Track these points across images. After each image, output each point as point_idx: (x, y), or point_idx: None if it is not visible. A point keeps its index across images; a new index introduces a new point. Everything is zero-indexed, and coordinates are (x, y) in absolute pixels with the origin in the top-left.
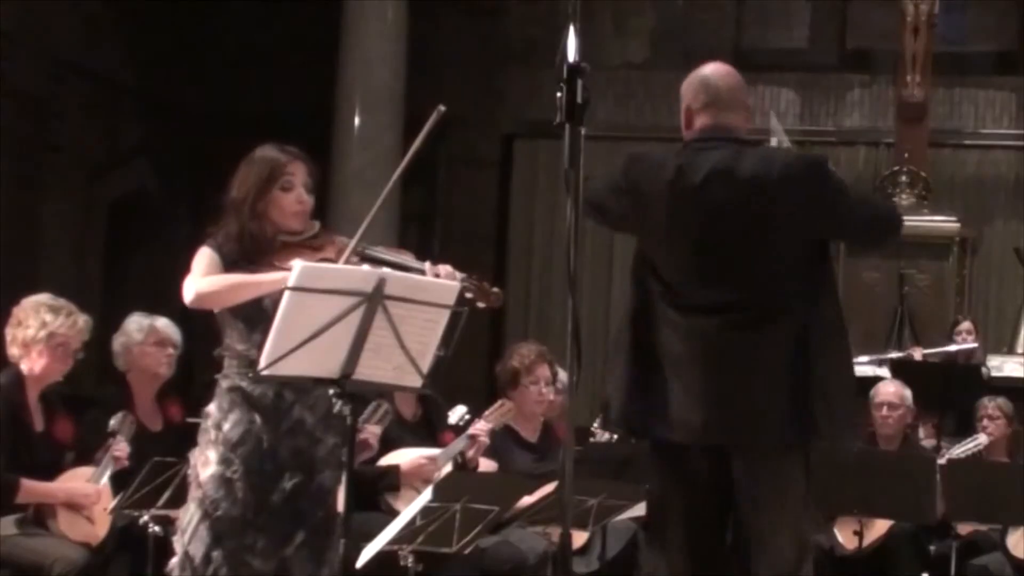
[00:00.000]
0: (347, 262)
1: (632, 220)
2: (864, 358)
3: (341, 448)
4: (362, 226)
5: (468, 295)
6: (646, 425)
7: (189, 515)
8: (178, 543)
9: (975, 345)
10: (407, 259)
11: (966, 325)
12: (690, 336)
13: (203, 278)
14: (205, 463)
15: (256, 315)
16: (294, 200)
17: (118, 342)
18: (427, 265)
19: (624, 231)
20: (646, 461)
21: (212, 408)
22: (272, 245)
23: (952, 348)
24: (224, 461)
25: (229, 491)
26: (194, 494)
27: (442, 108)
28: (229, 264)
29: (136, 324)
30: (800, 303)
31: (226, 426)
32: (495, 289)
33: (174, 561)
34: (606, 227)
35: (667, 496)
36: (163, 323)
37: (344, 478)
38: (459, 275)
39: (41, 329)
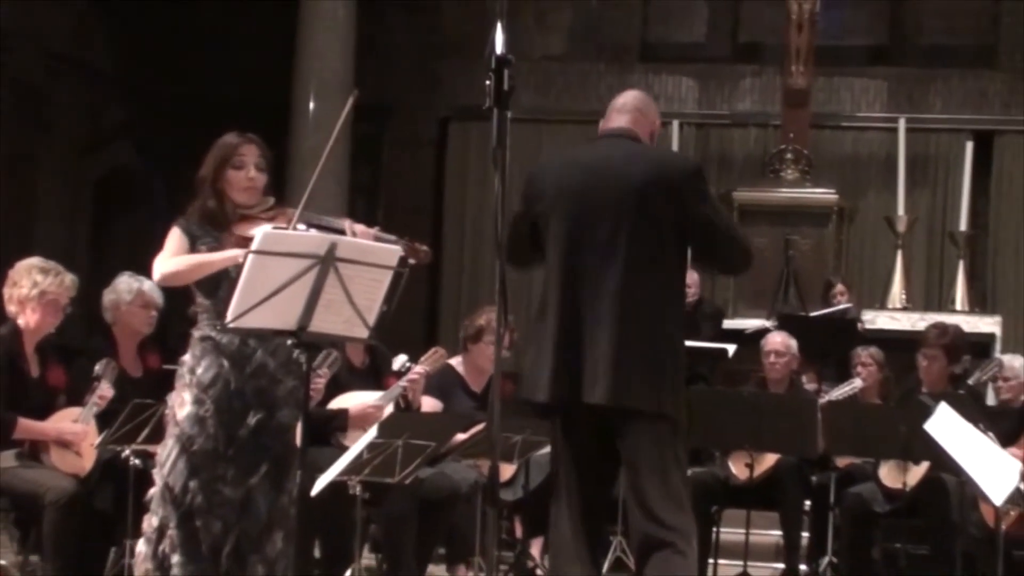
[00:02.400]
0: (293, 228)
1: (535, 217)
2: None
3: (300, 390)
4: (304, 197)
5: (400, 254)
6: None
7: (168, 450)
8: (158, 475)
9: (849, 305)
10: (334, 222)
11: (839, 287)
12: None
13: (167, 260)
14: (181, 404)
15: (220, 275)
16: (244, 177)
17: (108, 298)
18: (346, 223)
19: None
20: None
21: (187, 357)
22: (230, 217)
23: (829, 311)
24: (198, 401)
25: (203, 428)
26: (172, 431)
27: (356, 92)
28: (195, 237)
29: (126, 285)
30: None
31: (199, 371)
32: (424, 248)
33: (153, 491)
34: (525, 258)
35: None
36: (149, 286)
37: (300, 418)
38: (377, 233)
39: (33, 288)
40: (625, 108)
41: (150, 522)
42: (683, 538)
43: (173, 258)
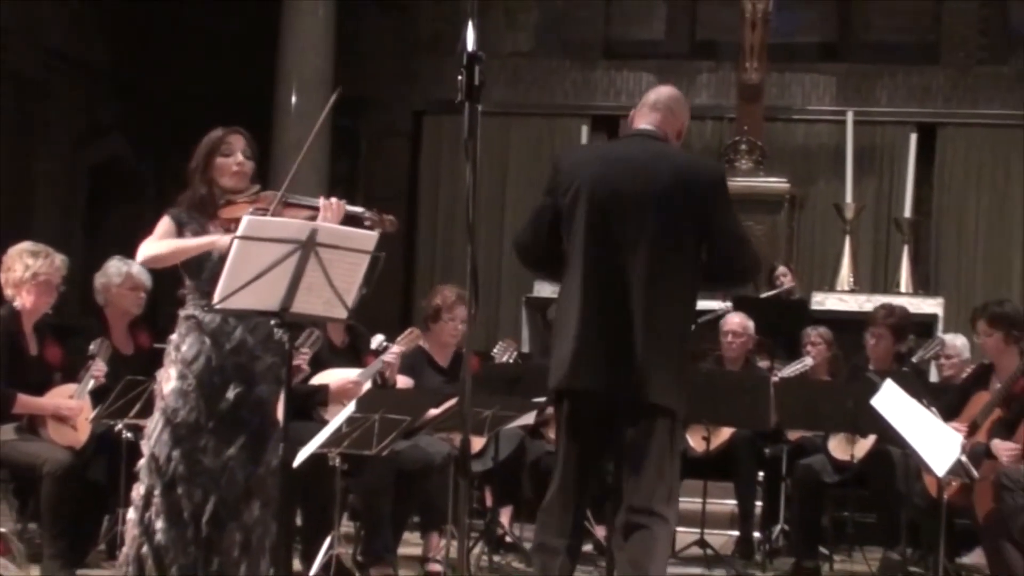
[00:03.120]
0: (274, 209)
1: (557, 199)
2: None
3: (279, 367)
4: (285, 182)
5: (367, 224)
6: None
7: (154, 423)
8: (145, 446)
9: (792, 285)
10: (309, 200)
11: (782, 269)
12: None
13: (150, 243)
14: (167, 379)
15: (203, 258)
16: (232, 162)
17: (99, 281)
18: (321, 200)
19: (551, 219)
20: (531, 380)
21: (174, 335)
22: (218, 202)
23: (774, 292)
24: (181, 376)
25: (186, 401)
26: (158, 404)
27: (340, 90)
28: (183, 223)
29: (115, 268)
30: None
31: (183, 348)
32: (390, 217)
33: (142, 462)
34: (544, 258)
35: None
36: (137, 269)
37: (283, 393)
38: (349, 207)
39: (26, 271)
40: (657, 107)
41: (138, 490)
42: (665, 524)
43: (156, 242)
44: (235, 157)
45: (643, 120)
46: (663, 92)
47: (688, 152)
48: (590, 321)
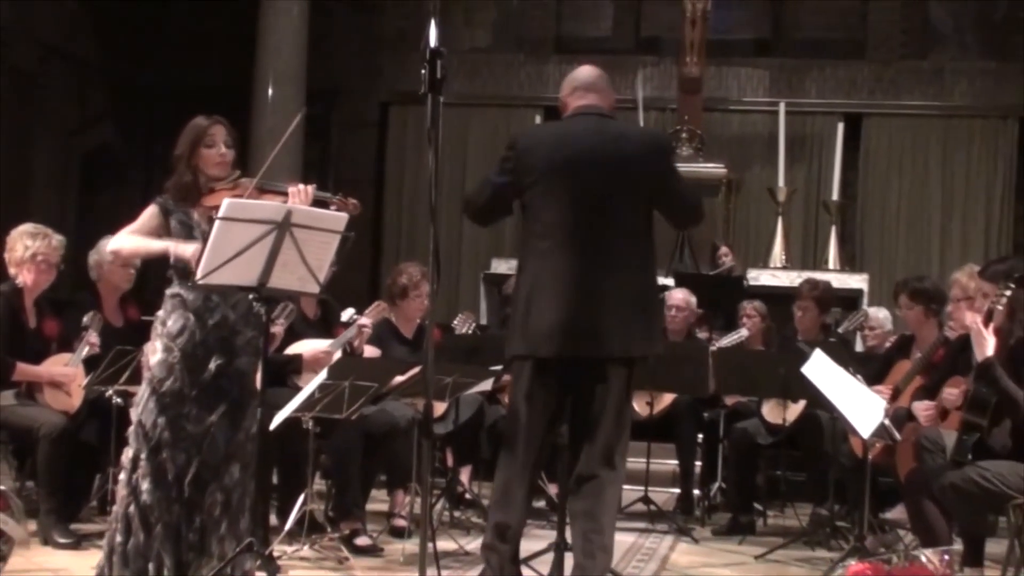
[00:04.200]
0: (250, 194)
1: (522, 183)
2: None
3: (258, 340)
4: (261, 171)
5: (333, 207)
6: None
7: (142, 392)
8: (134, 413)
9: (732, 264)
10: (282, 185)
11: (723, 249)
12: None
13: (120, 237)
14: (153, 352)
15: (189, 239)
16: (216, 154)
17: (92, 259)
18: (291, 186)
19: (507, 207)
20: (488, 350)
21: (161, 312)
22: (202, 189)
23: (718, 270)
24: (167, 349)
25: (170, 372)
26: (145, 375)
27: (305, 110)
28: (169, 211)
29: (106, 247)
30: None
31: (169, 323)
32: (354, 201)
33: (131, 429)
34: (493, 212)
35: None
36: None
37: (260, 362)
38: (318, 192)
39: (26, 251)
40: (592, 86)
41: (127, 454)
42: (614, 472)
43: (125, 237)
44: (218, 148)
45: (581, 100)
46: (589, 72)
47: None
48: (569, 294)
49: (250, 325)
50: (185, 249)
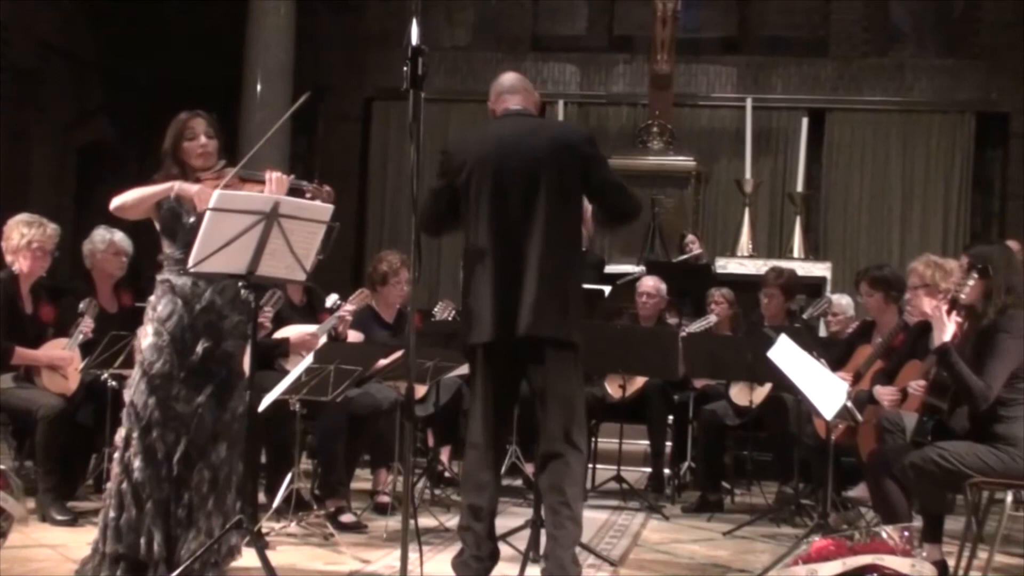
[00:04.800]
0: (229, 181)
1: (451, 179)
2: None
3: (245, 324)
4: (242, 161)
5: (308, 195)
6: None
7: (134, 374)
8: (127, 395)
9: (700, 252)
10: (260, 174)
11: (691, 237)
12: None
13: (117, 198)
14: (144, 335)
15: (176, 227)
16: (197, 146)
17: (86, 248)
18: (267, 173)
19: (455, 215)
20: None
21: (152, 297)
22: (189, 180)
23: (684, 257)
24: (157, 333)
25: (160, 354)
26: (137, 358)
27: (309, 93)
28: (159, 200)
29: (100, 236)
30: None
31: (159, 308)
32: (327, 188)
33: (124, 410)
34: (441, 224)
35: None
36: (120, 237)
37: (249, 346)
38: (293, 180)
39: (22, 239)
40: (514, 90)
41: (120, 434)
42: (576, 450)
43: (123, 194)
44: (198, 140)
45: (508, 103)
46: (512, 77)
47: (602, 133)
48: (497, 281)
49: (236, 310)
50: (190, 187)
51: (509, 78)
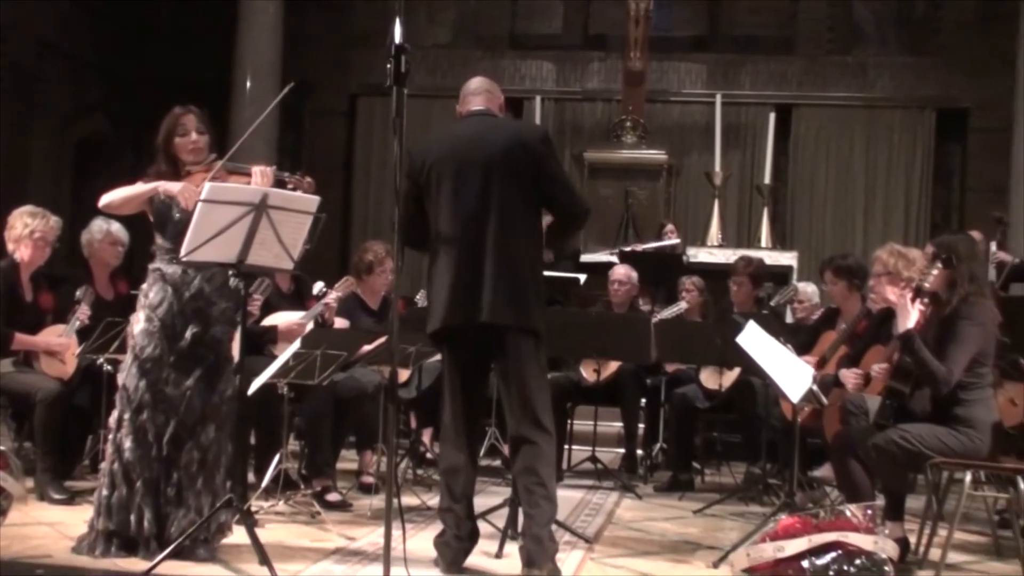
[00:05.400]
0: (216, 174)
1: (415, 179)
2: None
3: (233, 311)
4: (228, 154)
5: (290, 186)
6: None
7: (126, 358)
8: (120, 378)
9: (677, 241)
10: (246, 167)
11: (670, 226)
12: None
13: (106, 196)
14: (136, 321)
15: (168, 221)
16: (188, 142)
17: (84, 238)
18: (253, 168)
19: (415, 199)
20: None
21: (144, 285)
22: (181, 175)
23: (661, 244)
24: (148, 319)
25: (151, 339)
26: (129, 343)
27: (292, 84)
28: (154, 196)
29: (98, 227)
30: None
31: (150, 295)
32: (308, 179)
33: (117, 393)
34: (415, 228)
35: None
36: (116, 227)
37: (238, 333)
38: (275, 171)
39: (24, 229)
40: (478, 92)
41: (113, 416)
42: (545, 433)
43: (111, 192)
44: (189, 137)
45: (471, 104)
46: (477, 81)
47: (577, 128)
48: (457, 271)
49: (224, 297)
50: (173, 186)
51: (475, 82)
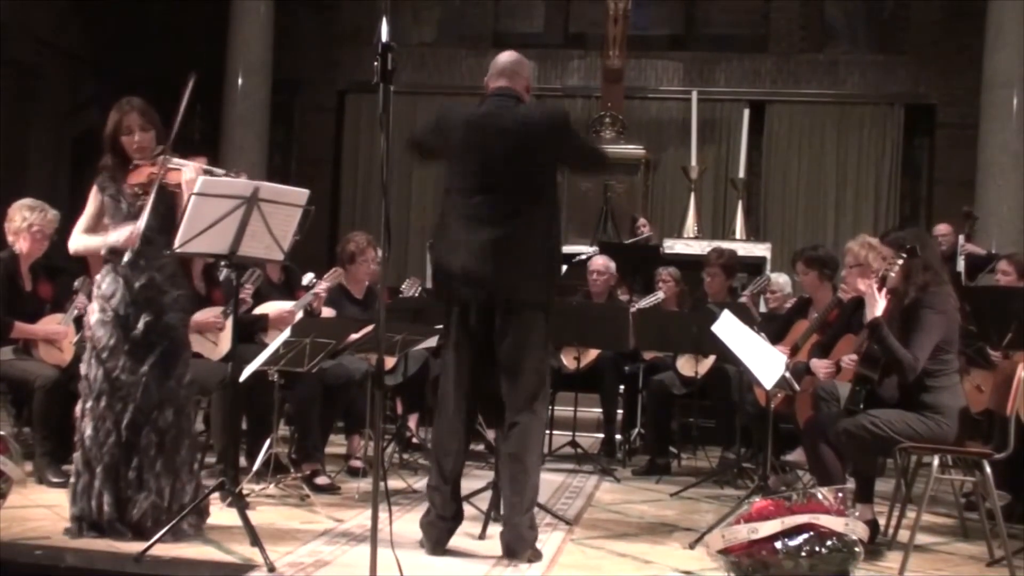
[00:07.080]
0: (162, 167)
1: (440, 147)
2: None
3: (185, 299)
4: (168, 141)
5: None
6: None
7: (86, 348)
8: (82, 368)
9: (650, 235)
10: (185, 162)
11: (641, 221)
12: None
13: (76, 237)
14: (92, 312)
15: (119, 220)
16: (132, 141)
17: None
18: (190, 162)
19: (434, 158)
20: (433, 310)
21: (97, 276)
22: (127, 169)
23: (635, 239)
24: (102, 309)
25: (106, 329)
26: (87, 334)
27: (193, 75)
28: (103, 188)
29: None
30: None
31: (103, 286)
32: (238, 171)
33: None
34: (420, 157)
35: (458, 336)
36: None
37: (230, 321)
38: (205, 164)
39: (23, 222)
40: (504, 72)
41: (78, 406)
42: (536, 416)
43: (80, 237)
44: (133, 136)
45: (495, 83)
46: (505, 59)
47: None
48: (464, 242)
49: (176, 285)
50: (117, 240)
51: (504, 59)
